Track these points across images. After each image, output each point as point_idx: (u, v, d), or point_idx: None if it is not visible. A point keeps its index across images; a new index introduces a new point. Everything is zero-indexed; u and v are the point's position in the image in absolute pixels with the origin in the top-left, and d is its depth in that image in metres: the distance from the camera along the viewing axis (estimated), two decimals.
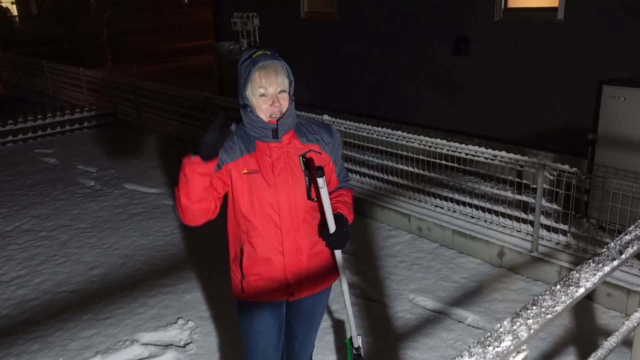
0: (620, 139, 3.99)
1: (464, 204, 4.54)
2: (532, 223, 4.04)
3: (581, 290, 1.00)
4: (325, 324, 3.43)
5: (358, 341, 2.39)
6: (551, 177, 3.91)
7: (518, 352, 0.87)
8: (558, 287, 1.00)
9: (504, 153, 4.04)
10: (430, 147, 4.50)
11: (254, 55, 1.89)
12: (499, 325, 0.88)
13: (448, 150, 4.37)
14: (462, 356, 0.81)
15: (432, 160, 4.53)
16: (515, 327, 0.88)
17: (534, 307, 0.93)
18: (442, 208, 4.65)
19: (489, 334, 0.86)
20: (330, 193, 2.13)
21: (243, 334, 2.21)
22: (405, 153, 4.77)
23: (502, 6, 5.48)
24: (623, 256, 1.13)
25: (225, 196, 2.02)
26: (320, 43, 7.80)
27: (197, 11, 35.35)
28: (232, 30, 8.86)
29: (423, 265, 4.18)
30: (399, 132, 4.75)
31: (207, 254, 4.43)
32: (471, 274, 4.04)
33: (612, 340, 1.22)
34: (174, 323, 3.57)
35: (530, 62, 5.34)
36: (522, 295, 3.73)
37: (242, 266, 2.06)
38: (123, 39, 21.75)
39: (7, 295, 4.04)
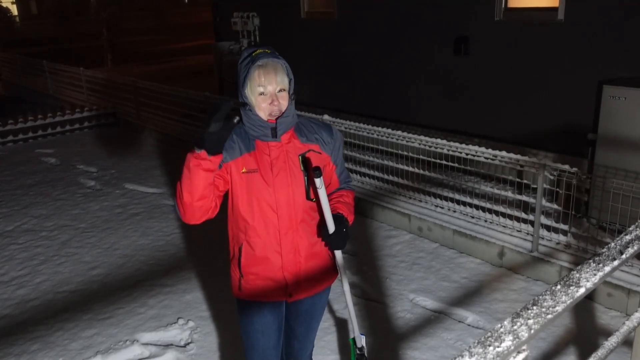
0: (620, 139, 3.99)
1: (464, 203, 4.54)
2: (532, 223, 4.04)
3: (581, 290, 1.00)
4: (326, 323, 3.43)
5: (362, 341, 2.39)
6: (551, 177, 3.91)
7: (518, 352, 0.87)
8: (558, 287, 1.00)
9: (504, 153, 4.04)
10: (430, 147, 4.50)
11: (253, 54, 1.88)
12: (499, 325, 0.88)
13: (448, 150, 4.37)
14: (462, 356, 0.81)
15: (433, 160, 4.53)
16: (515, 327, 0.88)
17: (535, 307, 0.93)
18: (442, 208, 4.65)
19: (489, 334, 0.86)
20: (331, 194, 2.13)
21: (243, 333, 2.21)
22: (405, 153, 4.77)
23: (503, 6, 5.48)
24: (623, 256, 1.13)
25: (226, 195, 2.02)
26: (320, 43, 7.80)
27: (197, 11, 35.35)
28: (232, 30, 8.86)
29: (423, 265, 4.18)
30: (399, 132, 4.75)
31: (207, 253, 4.43)
32: (471, 273, 4.04)
33: (612, 340, 1.22)
34: (174, 323, 3.57)
35: (531, 62, 5.33)
36: (522, 295, 3.73)
37: (241, 265, 2.06)
38: (123, 38, 21.75)
39: (7, 295, 4.04)
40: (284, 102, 1.92)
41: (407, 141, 4.67)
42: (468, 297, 3.73)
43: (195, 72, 14.62)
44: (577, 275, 1.05)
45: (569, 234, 3.97)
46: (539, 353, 3.14)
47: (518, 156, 3.99)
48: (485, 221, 4.35)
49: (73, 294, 4.02)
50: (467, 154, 4.25)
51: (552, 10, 5.09)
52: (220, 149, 1.76)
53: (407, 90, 6.66)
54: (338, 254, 2.11)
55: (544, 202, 3.92)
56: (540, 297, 0.97)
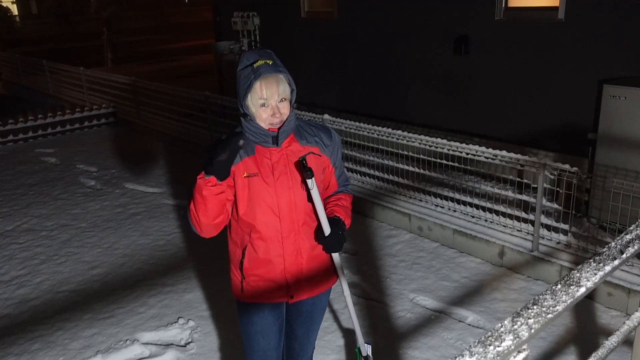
0: (620, 139, 3.99)
1: (464, 203, 4.54)
2: (532, 222, 4.04)
3: (582, 290, 1.00)
4: (326, 323, 3.43)
5: (367, 350, 2.39)
6: (552, 177, 3.91)
7: (519, 352, 0.87)
8: (559, 286, 1.00)
9: (504, 152, 4.04)
10: (430, 146, 4.50)
11: (255, 65, 1.84)
12: (499, 325, 0.88)
13: (448, 150, 4.37)
14: (462, 356, 0.81)
15: (433, 159, 4.53)
16: (516, 326, 0.88)
17: (535, 307, 0.93)
18: (442, 207, 4.65)
19: (489, 333, 0.86)
20: (329, 196, 2.13)
21: (243, 334, 2.21)
22: (405, 152, 4.77)
23: (503, 5, 5.48)
24: (624, 256, 1.13)
25: None
26: (320, 42, 7.80)
27: (197, 10, 35.37)
28: (233, 30, 8.86)
29: (423, 265, 4.18)
30: (400, 132, 4.75)
31: (207, 253, 4.43)
32: (472, 273, 4.04)
33: (612, 340, 1.22)
34: (175, 322, 3.57)
35: (531, 62, 5.33)
36: (522, 294, 3.73)
37: (243, 267, 2.06)
38: (123, 38, 21.75)
39: (7, 294, 4.04)
40: (285, 111, 1.91)
41: (407, 141, 4.67)
42: (468, 296, 3.73)
43: (195, 71, 14.62)
44: (578, 274, 1.05)
45: (569, 234, 3.97)
46: (540, 352, 3.14)
47: (518, 156, 3.99)
48: (486, 221, 4.35)
49: (73, 293, 4.03)
50: (467, 154, 4.25)
51: (553, 9, 5.09)
52: (228, 174, 1.81)
53: (407, 90, 6.66)
54: (335, 256, 2.11)
55: (544, 201, 3.91)
56: (541, 296, 0.97)
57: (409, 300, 3.73)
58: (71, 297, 3.97)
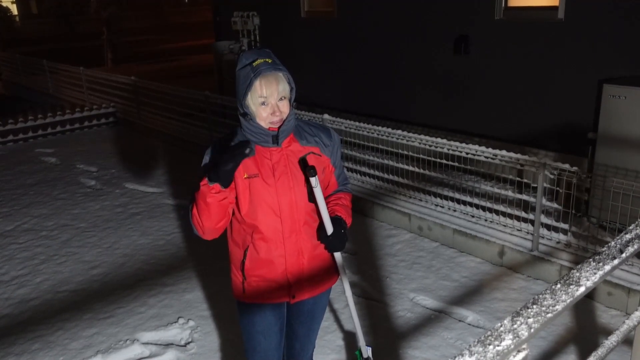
0: (620, 138, 3.99)
1: (464, 203, 4.54)
2: (532, 222, 4.04)
3: (582, 289, 1.00)
4: (326, 323, 3.43)
5: (368, 352, 2.40)
6: (552, 176, 3.91)
7: (518, 351, 0.87)
8: (558, 286, 1.00)
9: (504, 152, 4.04)
10: (430, 146, 4.50)
11: (254, 63, 1.84)
12: (499, 324, 0.88)
13: (448, 150, 4.37)
14: (462, 355, 0.82)
15: (433, 159, 4.53)
16: (515, 326, 0.88)
17: (535, 306, 0.93)
18: (442, 207, 4.65)
19: (489, 332, 0.86)
20: (329, 196, 2.13)
21: (244, 334, 2.21)
22: (405, 152, 4.77)
23: (503, 5, 5.48)
24: (623, 255, 1.13)
25: None
26: (320, 42, 7.80)
27: (197, 10, 35.36)
28: (232, 30, 8.86)
29: (423, 265, 4.18)
30: (400, 131, 4.75)
31: (207, 253, 4.43)
32: (472, 273, 4.04)
33: (612, 339, 1.22)
34: (175, 322, 3.57)
35: (531, 61, 5.33)
36: (522, 294, 3.73)
37: (244, 268, 2.06)
38: (123, 38, 21.75)
39: (7, 294, 4.04)
40: (285, 110, 1.91)
41: (407, 140, 4.67)
42: (468, 296, 3.73)
43: (195, 71, 14.62)
44: (577, 274, 1.05)
45: (569, 233, 3.97)
46: (539, 352, 3.14)
47: (518, 155, 3.99)
48: (486, 220, 4.35)
49: (73, 293, 4.03)
50: (467, 153, 4.25)
51: (553, 9, 5.09)
52: (232, 180, 1.82)
53: (407, 89, 6.66)
54: (337, 255, 2.12)
55: (544, 201, 3.92)
56: (541, 296, 0.97)
57: (409, 299, 3.73)
58: (71, 297, 3.97)
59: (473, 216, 4.44)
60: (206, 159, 1.98)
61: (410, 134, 4.64)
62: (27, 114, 8.80)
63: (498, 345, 0.83)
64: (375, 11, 6.83)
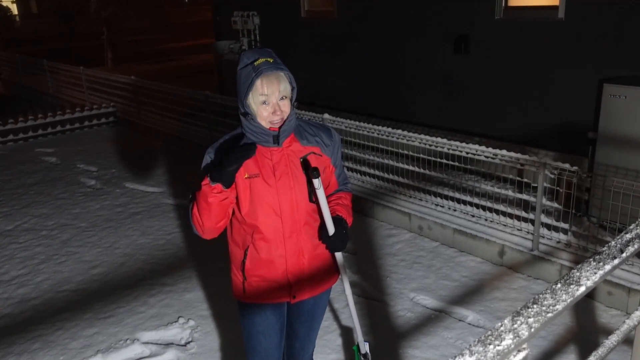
0: (620, 138, 3.99)
1: (464, 202, 4.54)
2: (532, 222, 4.04)
3: (582, 289, 1.00)
4: (326, 322, 3.44)
5: (365, 347, 2.40)
6: (552, 176, 3.91)
7: (519, 351, 0.87)
8: (559, 285, 1.00)
9: (504, 152, 4.04)
10: (430, 145, 4.50)
11: (255, 63, 1.84)
12: (499, 324, 0.88)
13: (449, 149, 4.37)
14: (462, 355, 0.81)
15: (433, 159, 4.53)
16: (516, 325, 0.88)
17: (535, 306, 0.93)
18: (442, 207, 4.65)
19: (489, 332, 0.86)
20: (329, 195, 2.13)
21: (244, 334, 2.21)
22: (406, 152, 4.77)
23: (503, 5, 5.48)
24: (624, 255, 1.13)
25: None
26: (320, 42, 7.80)
27: (197, 10, 35.36)
28: (233, 29, 8.86)
29: (424, 264, 4.18)
30: (400, 131, 4.75)
31: (207, 252, 4.43)
32: (472, 272, 4.04)
33: (612, 339, 1.22)
34: (175, 322, 3.57)
35: (531, 61, 5.33)
36: (522, 293, 3.73)
37: (244, 268, 2.06)
38: (123, 38, 21.74)
39: (7, 294, 4.04)
40: (285, 109, 1.90)
41: (407, 140, 4.67)
42: (468, 295, 3.73)
43: (195, 71, 14.62)
44: (578, 273, 1.05)
45: (569, 233, 3.97)
46: (539, 352, 3.14)
47: (518, 155, 3.99)
48: (486, 220, 4.35)
49: (73, 293, 4.03)
50: (467, 153, 4.25)
51: (553, 8, 5.09)
52: (233, 181, 1.83)
53: (408, 89, 6.66)
54: (338, 255, 2.12)
55: (544, 200, 3.91)
56: (541, 295, 0.97)
57: (409, 299, 3.73)
58: (71, 297, 3.97)
59: (473, 216, 4.44)
60: (207, 159, 1.98)
61: (411, 134, 4.64)
62: (27, 113, 8.81)
63: (498, 345, 0.83)
64: (375, 11, 6.83)
